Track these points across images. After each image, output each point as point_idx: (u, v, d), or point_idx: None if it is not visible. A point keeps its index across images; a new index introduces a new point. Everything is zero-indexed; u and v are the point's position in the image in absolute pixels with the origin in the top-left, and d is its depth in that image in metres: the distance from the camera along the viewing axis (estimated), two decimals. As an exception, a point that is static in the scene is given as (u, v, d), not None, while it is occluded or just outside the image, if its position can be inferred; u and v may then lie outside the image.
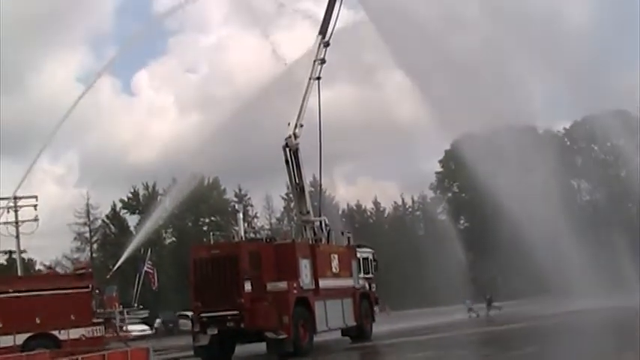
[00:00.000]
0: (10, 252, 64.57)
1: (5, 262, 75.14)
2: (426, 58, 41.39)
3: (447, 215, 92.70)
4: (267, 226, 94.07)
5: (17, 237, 57.99)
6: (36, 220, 57.86)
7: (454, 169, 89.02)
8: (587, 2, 44.36)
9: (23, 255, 65.17)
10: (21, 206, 56.78)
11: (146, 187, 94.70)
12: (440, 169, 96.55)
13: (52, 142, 45.85)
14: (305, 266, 30.40)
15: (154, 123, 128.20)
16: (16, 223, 57.21)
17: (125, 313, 36.06)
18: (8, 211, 55.67)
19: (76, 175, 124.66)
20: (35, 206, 57.57)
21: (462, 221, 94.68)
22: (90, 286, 33.14)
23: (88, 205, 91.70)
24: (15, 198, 54.68)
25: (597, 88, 44.45)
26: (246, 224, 57.53)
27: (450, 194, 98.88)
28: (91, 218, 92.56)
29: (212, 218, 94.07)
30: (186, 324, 41.82)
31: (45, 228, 63.92)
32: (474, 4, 41.77)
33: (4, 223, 55.82)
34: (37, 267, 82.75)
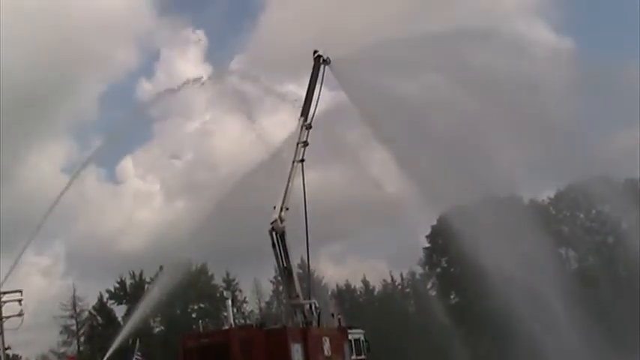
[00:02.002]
0: (-7, 350, 63.22)
1: (-11, 360, 73.66)
2: (407, 135, 41.66)
3: (436, 291, 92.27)
4: (256, 311, 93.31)
5: (1, 333, 57.01)
6: (21, 315, 56.96)
7: (442, 244, 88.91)
8: (565, 70, 44.98)
9: (8, 352, 63.91)
10: (5, 301, 56.02)
11: (133, 276, 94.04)
12: (427, 245, 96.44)
13: (38, 234, 45.54)
14: (297, 351, 29.99)
15: (140, 211, 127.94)
16: (0, 319, 56.36)
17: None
18: (-9, 307, 54.88)
19: (63, 266, 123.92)
20: (20, 301, 56.78)
21: (452, 296, 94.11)
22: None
23: (74, 296, 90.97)
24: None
25: (578, 155, 44.81)
26: (235, 310, 56.97)
27: (439, 269, 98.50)
28: (78, 310, 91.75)
29: (201, 305, 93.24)
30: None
31: (31, 322, 62.89)
32: (450, 80, 42.32)
33: (-13, 319, 54.93)
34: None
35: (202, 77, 42.59)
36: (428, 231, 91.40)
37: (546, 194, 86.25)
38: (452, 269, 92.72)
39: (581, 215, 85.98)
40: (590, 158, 45.06)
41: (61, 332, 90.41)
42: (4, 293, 54.41)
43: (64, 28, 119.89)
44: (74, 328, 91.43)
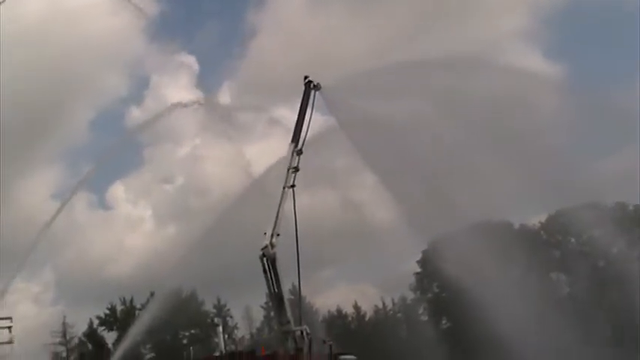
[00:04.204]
0: (-16, 378, 62.75)
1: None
2: (395, 161, 41.80)
3: (428, 316, 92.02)
4: (247, 337, 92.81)
5: (-9, 361, 56.68)
6: (11, 342, 56.65)
7: (433, 269, 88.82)
8: (555, 95, 45.31)
9: (-2, 379, 63.43)
10: (-5, 329, 55.74)
11: (123, 302, 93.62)
12: (418, 270, 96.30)
13: (28, 261, 45.37)
14: (288, 377, 29.86)
15: (130, 236, 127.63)
16: (-10, 346, 56.04)
17: None
18: (-19, 335, 54.57)
19: (53, 292, 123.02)
20: (9, 328, 56.51)
21: (444, 321, 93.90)
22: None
23: (64, 323, 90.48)
24: (-11, 320, 53.70)
25: (568, 180, 45.02)
26: (226, 336, 56.79)
27: (430, 294, 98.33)
28: (68, 337, 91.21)
29: (192, 331, 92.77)
30: None
31: (20, 349, 62.42)
32: (439, 107, 42.52)
33: (-22, 347, 54.61)
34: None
35: (193, 102, 42.84)
36: (419, 256, 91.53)
37: (537, 219, 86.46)
38: (443, 294, 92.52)
39: (572, 240, 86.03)
40: (580, 183, 45.29)
41: (51, 359, 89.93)
42: (-6, 320, 54.31)
43: (54, 54, 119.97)
44: (64, 354, 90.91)
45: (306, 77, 39.28)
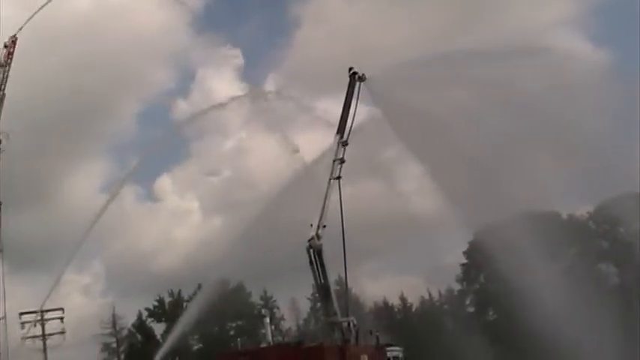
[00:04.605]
0: (37, 367, 64.13)
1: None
2: (442, 151, 41.61)
3: (474, 307, 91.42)
4: (294, 329, 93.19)
5: (44, 351, 57.86)
6: (62, 332, 57.89)
7: (479, 260, 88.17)
8: (602, 83, 44.65)
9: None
10: (48, 319, 56.90)
11: (171, 295, 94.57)
12: (465, 261, 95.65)
13: (78, 253, 46.09)
14: (335, 369, 29.94)
15: (177, 228, 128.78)
16: (43, 336, 57.20)
17: None
18: (35, 325, 55.76)
19: (102, 284, 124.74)
20: (62, 319, 57.74)
21: (490, 313, 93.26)
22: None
23: (114, 314, 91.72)
24: (42, 311, 54.84)
25: (616, 169, 44.34)
26: (273, 328, 57.09)
27: (476, 286, 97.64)
28: (118, 328, 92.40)
29: (238, 322, 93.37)
30: None
31: (72, 339, 63.73)
32: (485, 96, 42.20)
33: (32, 337, 55.82)
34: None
35: (239, 96, 43.12)
36: (465, 247, 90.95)
37: (585, 209, 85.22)
38: (489, 285, 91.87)
39: (622, 229, 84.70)
40: (629, 171, 44.58)
41: (101, 350, 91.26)
42: (47, 311, 55.44)
43: (103, 49, 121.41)
44: (114, 345, 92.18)
45: (350, 69, 39.35)
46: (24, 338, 54.62)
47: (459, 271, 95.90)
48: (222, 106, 43.31)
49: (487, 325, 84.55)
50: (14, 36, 54.63)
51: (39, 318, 55.95)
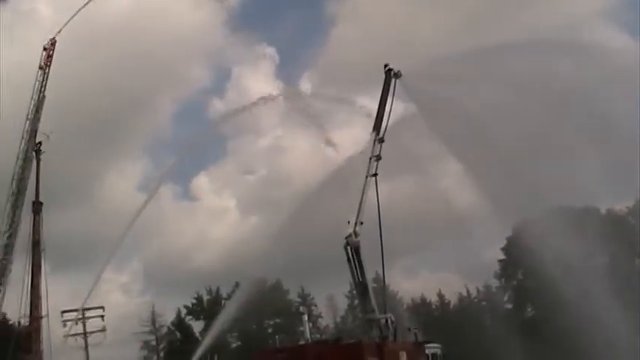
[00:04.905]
0: (80, 364, 65.08)
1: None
2: (478, 147, 41.43)
3: (512, 304, 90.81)
4: (331, 326, 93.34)
5: (86, 348, 58.62)
6: (103, 330, 58.68)
7: (517, 256, 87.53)
8: (637, 76, 44.11)
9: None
10: (89, 317, 57.70)
11: (209, 292, 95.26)
12: (503, 257, 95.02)
13: (117, 252, 46.65)
14: (373, 366, 29.93)
15: (214, 227, 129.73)
16: (85, 334, 57.98)
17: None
18: (76, 323, 56.56)
19: (141, 283, 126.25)
20: (102, 317, 58.52)
21: (528, 309, 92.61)
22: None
23: (153, 312, 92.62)
24: (83, 309, 55.61)
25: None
26: (310, 325, 57.30)
27: (514, 282, 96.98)
28: (157, 326, 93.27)
29: (276, 320, 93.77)
30: None
31: (112, 337, 64.58)
32: (521, 90, 41.89)
33: (73, 334, 56.63)
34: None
35: (275, 94, 43.29)
36: (503, 243, 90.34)
37: (624, 204, 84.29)
38: (528, 282, 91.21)
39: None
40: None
41: (141, 348, 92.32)
42: (88, 309, 56.22)
43: (140, 49, 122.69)
44: (154, 343, 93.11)
45: (386, 65, 39.30)
46: (66, 336, 55.43)
47: (496, 267, 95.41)
48: (256, 104, 43.50)
49: (525, 321, 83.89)
50: (53, 39, 55.50)
51: (80, 316, 56.75)
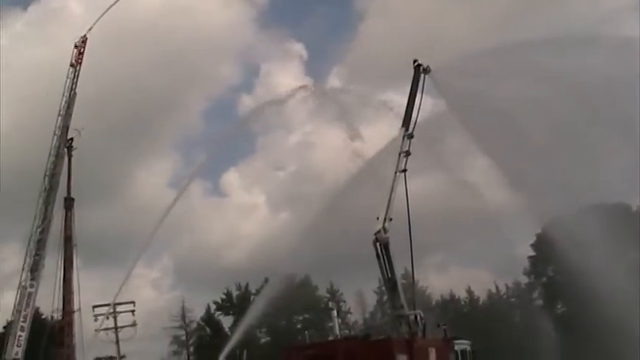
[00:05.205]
0: (111, 358, 65.84)
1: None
2: (509, 143, 41.18)
3: (542, 301, 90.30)
4: (360, 322, 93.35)
5: (117, 343, 59.29)
6: (134, 325, 59.33)
7: (547, 252, 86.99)
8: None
9: (122, 360, 66.28)
10: (119, 312, 58.32)
11: (239, 288, 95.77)
12: (532, 254, 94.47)
13: (148, 248, 47.00)
14: (402, 362, 29.90)
15: (244, 223, 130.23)
16: (116, 328, 58.62)
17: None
18: (108, 318, 57.21)
19: (171, 278, 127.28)
20: (133, 311, 59.12)
21: (559, 306, 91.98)
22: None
23: (183, 308, 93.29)
24: (114, 304, 56.18)
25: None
26: (339, 320, 57.41)
27: (544, 278, 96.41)
28: (187, 321, 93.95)
29: (305, 316, 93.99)
30: None
31: (143, 332, 65.24)
32: (550, 87, 41.57)
33: (105, 329, 57.28)
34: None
35: (304, 88, 43.28)
36: (533, 239, 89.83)
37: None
38: (558, 278, 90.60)
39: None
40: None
41: (171, 343, 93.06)
42: (119, 304, 56.83)
43: (170, 47, 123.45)
44: (183, 338, 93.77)
45: (415, 61, 39.10)
46: (97, 330, 56.05)
47: (526, 263, 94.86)
48: (284, 100, 43.55)
49: (556, 318, 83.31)
50: (84, 36, 55.97)
51: (111, 311, 57.37)
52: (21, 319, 51.24)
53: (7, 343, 51.17)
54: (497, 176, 44.10)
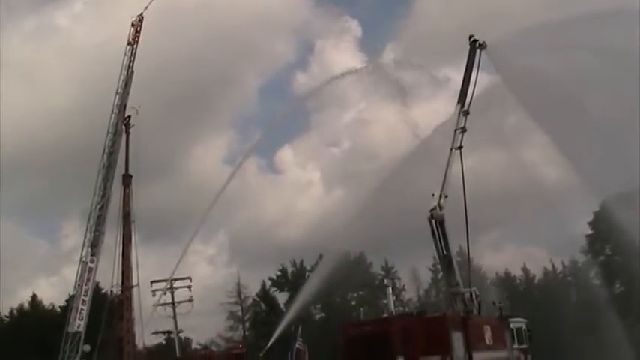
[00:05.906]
0: (169, 332, 67.01)
1: (164, 342, 77.82)
2: (567, 119, 40.59)
3: (600, 280, 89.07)
4: (415, 299, 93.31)
5: (174, 317, 60.25)
6: (191, 300, 60.21)
7: (605, 231, 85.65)
8: None
9: (180, 335, 67.38)
10: (177, 287, 59.20)
11: (294, 265, 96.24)
12: (590, 232, 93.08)
13: (204, 224, 47.51)
14: (458, 339, 29.92)
15: (299, 200, 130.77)
16: (173, 304, 59.54)
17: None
18: (165, 293, 58.14)
19: (227, 254, 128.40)
20: (190, 287, 59.95)
21: (617, 285, 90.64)
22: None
23: (239, 284, 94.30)
24: (171, 280, 57.05)
25: None
26: (394, 297, 57.47)
27: (602, 257, 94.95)
28: (242, 297, 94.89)
29: (360, 292, 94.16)
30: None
31: (199, 307, 66.25)
32: (609, 62, 40.79)
33: (162, 304, 58.23)
34: (194, 346, 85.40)
35: (361, 67, 43.14)
36: (590, 217, 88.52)
37: None
38: (616, 257, 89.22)
39: None
40: None
41: (227, 318, 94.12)
42: (176, 280, 57.69)
43: (226, 24, 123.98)
44: (239, 314, 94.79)
45: (471, 36, 38.78)
46: (155, 305, 56.99)
47: (583, 242, 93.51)
48: (341, 77, 43.45)
49: (614, 297, 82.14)
50: (141, 14, 56.54)
51: (169, 286, 58.28)
52: (82, 293, 52.44)
53: (69, 316, 52.39)
54: (554, 153, 43.54)
